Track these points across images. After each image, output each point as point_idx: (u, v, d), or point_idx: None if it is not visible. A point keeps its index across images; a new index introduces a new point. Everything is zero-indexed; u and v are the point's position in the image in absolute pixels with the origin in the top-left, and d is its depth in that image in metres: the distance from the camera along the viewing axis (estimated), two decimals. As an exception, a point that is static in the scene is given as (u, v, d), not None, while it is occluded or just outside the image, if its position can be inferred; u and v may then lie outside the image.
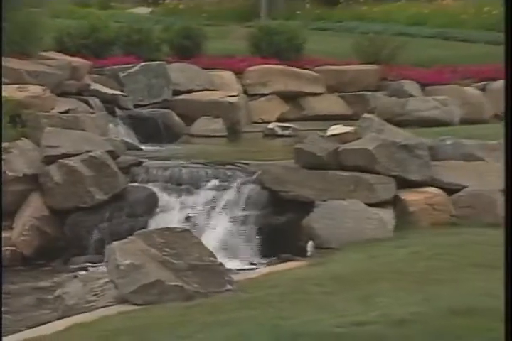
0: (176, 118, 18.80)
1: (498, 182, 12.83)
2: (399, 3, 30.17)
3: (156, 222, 12.56)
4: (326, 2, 31.22)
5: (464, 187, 12.75)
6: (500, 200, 12.60)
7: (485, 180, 12.85)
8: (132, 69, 19.33)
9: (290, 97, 21.30)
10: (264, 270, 10.91)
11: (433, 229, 12.07)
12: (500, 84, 21.72)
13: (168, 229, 9.86)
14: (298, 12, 30.03)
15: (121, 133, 16.97)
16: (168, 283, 8.44)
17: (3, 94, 13.94)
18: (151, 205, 12.97)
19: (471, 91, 21.65)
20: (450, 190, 12.79)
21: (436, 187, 12.86)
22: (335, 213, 12.12)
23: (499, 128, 16.37)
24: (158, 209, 12.96)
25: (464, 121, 19.61)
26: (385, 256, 10.34)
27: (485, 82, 21.97)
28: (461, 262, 9.36)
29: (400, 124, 15.23)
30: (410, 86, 21.27)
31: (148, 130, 17.63)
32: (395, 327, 6.13)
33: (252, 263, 12.12)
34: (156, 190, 13.10)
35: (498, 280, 8.18)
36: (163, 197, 13.03)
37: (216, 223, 12.72)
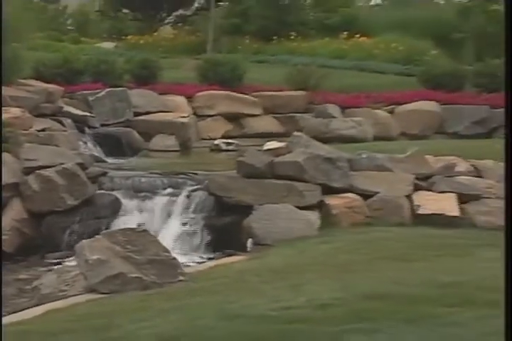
0: (137, 135, 18.81)
1: (405, 188, 13.00)
2: (323, 40, 30.29)
3: (119, 224, 12.49)
4: (262, 38, 31.27)
5: (377, 193, 12.84)
6: (406, 204, 12.75)
7: (393, 187, 12.98)
8: (99, 94, 19.30)
9: (233, 118, 21.35)
10: (211, 263, 10.91)
11: (351, 228, 12.15)
12: (405, 107, 22.03)
13: (130, 229, 9.87)
14: (239, 47, 30.15)
15: (90, 148, 16.95)
16: (129, 275, 8.43)
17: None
18: (115, 209, 12.91)
19: (382, 113, 21.88)
20: (365, 196, 12.87)
21: (354, 193, 12.93)
22: (270, 215, 12.15)
23: (405, 144, 16.65)
24: (121, 213, 12.90)
25: (376, 138, 19.84)
26: (312, 251, 10.39)
27: (393, 106, 22.20)
28: (373, 255, 9.43)
29: (324, 141, 15.28)
30: (332, 109, 21.44)
31: (113, 145, 17.60)
32: (319, 310, 6.15)
33: (201, 258, 12.08)
34: (119, 196, 13.04)
35: (404, 270, 8.28)
36: (125, 202, 12.98)
37: (170, 224, 12.69)
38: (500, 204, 12.91)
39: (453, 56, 28.75)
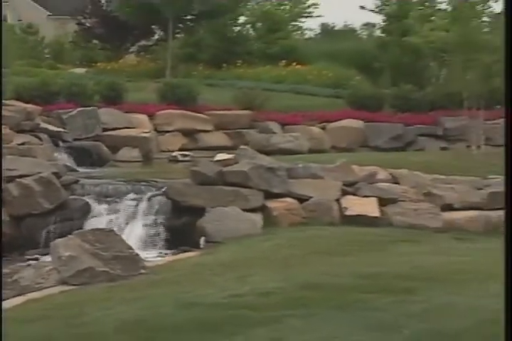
0: (105, 148, 18.67)
1: (334, 193, 13.07)
2: (265, 67, 30.39)
3: (89, 225, 12.36)
4: (213, 65, 31.30)
5: (311, 197, 12.88)
6: (335, 207, 12.81)
7: (325, 192, 13.03)
8: (72, 113, 19.18)
9: (188, 133, 21.27)
10: (169, 258, 10.87)
11: (290, 227, 12.18)
12: (335, 125, 22.18)
13: (98, 229, 9.80)
14: (193, 72, 30.10)
15: (64, 159, 16.79)
16: (97, 269, 8.38)
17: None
18: (85, 212, 12.77)
19: (315, 129, 21.99)
20: (301, 200, 12.90)
21: (292, 197, 12.96)
22: (220, 216, 12.16)
23: (334, 156, 16.74)
24: (90, 215, 12.79)
25: (311, 151, 19.94)
26: (256, 247, 10.39)
27: (324, 124, 22.31)
28: (309, 250, 9.47)
29: (266, 153, 15.31)
30: (273, 126, 21.55)
31: (84, 157, 17.49)
32: (263, 297, 6.17)
33: (160, 254, 12.02)
34: (89, 201, 12.92)
35: (334, 263, 8.31)
36: (95, 206, 12.86)
37: (134, 225, 12.60)
38: (414, 206, 13.08)
39: (373, 82, 29.08)
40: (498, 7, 21.47)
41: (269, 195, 12.92)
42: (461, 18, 18.99)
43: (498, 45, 18.83)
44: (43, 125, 17.92)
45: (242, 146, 15.03)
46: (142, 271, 8.68)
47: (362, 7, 38.59)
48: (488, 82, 19.91)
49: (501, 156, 18.14)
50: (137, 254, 9.10)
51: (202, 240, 11.79)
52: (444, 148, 21.63)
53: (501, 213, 13.29)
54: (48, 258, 9.87)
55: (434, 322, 5.13)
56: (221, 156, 13.92)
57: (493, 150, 19.38)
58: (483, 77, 19.46)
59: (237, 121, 21.95)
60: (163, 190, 13.10)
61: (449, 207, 13.27)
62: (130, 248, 9.15)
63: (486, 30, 19.98)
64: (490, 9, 20.78)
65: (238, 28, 37.54)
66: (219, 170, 13.11)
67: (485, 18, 20.70)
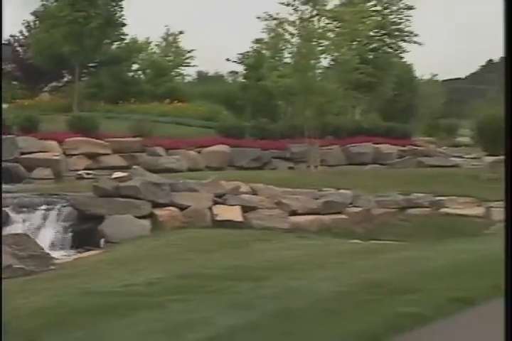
0: (22, 168, 18.16)
1: (207, 203, 13.08)
2: (153, 104, 30.22)
3: (9, 230, 11.86)
4: (112, 102, 30.82)
5: (189, 206, 12.86)
6: (208, 213, 12.82)
7: (200, 202, 13.05)
8: (-5, 140, 18.45)
9: (91, 156, 20.89)
10: (75, 256, 10.60)
11: (172, 230, 12.12)
12: (208, 149, 22.19)
13: (16, 234, 9.47)
14: (96, 108, 29.51)
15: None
16: (15, 266, 8.08)
17: None
18: (5, 220, 12.26)
19: (193, 153, 22.00)
20: (181, 208, 12.87)
21: (174, 206, 12.91)
22: (116, 222, 11.99)
23: (207, 173, 16.77)
24: (10, 223, 12.28)
25: (189, 170, 19.91)
26: (145, 246, 10.27)
27: (200, 148, 22.35)
28: (187, 248, 9.43)
29: (154, 172, 15.20)
30: (160, 150, 21.41)
31: (4, 175, 16.73)
32: (150, 286, 6.08)
33: (67, 253, 11.68)
34: (8, 211, 12.40)
35: (207, 258, 8.30)
36: (13, 215, 12.33)
37: (46, 230, 12.19)
38: (269, 212, 13.26)
39: (237, 116, 29.42)
40: (325, 62, 22.27)
41: (156, 205, 12.83)
42: (300, 69, 19.48)
43: (329, 89, 19.47)
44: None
45: (134, 166, 14.94)
46: (52, 267, 8.46)
47: (228, 59, 39.56)
48: (322, 117, 20.52)
49: (332, 174, 18.56)
50: (48, 253, 8.86)
51: (102, 241, 11.58)
52: (291, 168, 22.09)
53: (332, 216, 13.73)
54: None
55: (281, 302, 5.21)
56: (118, 174, 13.74)
57: (326, 169, 19.97)
58: (317, 114, 20.03)
59: (130, 146, 21.72)
60: (70, 201, 12.78)
61: (294, 213, 13.55)
62: (42, 248, 8.92)
63: (319, 78, 20.52)
64: (321, 63, 21.40)
65: (132, 73, 37.42)
66: (116, 185, 12.95)
67: (318, 70, 21.24)
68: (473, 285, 5.72)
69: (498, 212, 14.09)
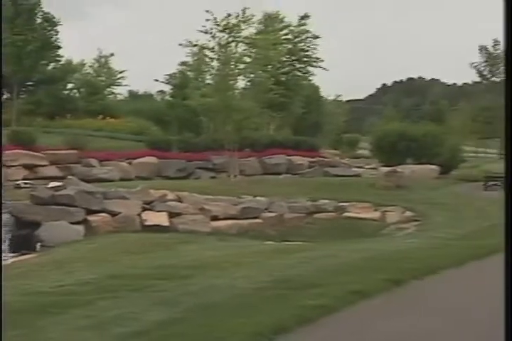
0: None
1: (137, 210, 12.90)
2: (87, 119, 29.58)
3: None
4: (49, 118, 29.98)
5: (120, 212, 12.68)
6: (138, 219, 12.64)
7: (130, 209, 12.89)
8: None
9: (29, 167, 20.31)
10: (13, 260, 10.29)
11: (105, 235, 11.92)
12: (138, 160, 21.91)
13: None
14: (34, 123, 28.60)
15: None
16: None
17: None
18: None
19: (124, 164, 21.70)
20: (113, 214, 12.67)
21: (106, 213, 12.69)
22: (53, 227, 11.68)
23: (137, 183, 16.52)
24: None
25: (121, 179, 19.59)
26: (79, 250, 10.06)
27: (131, 160, 22.05)
28: (118, 250, 9.30)
29: (88, 181, 14.96)
30: (93, 161, 20.99)
31: None
32: (82, 286, 5.95)
33: (5, 256, 11.27)
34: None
35: (135, 259, 8.18)
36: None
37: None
38: (192, 217, 13.21)
39: (165, 130, 29.20)
40: (243, 83, 22.51)
41: (90, 212, 12.59)
42: (220, 90, 19.60)
43: (246, 108, 19.65)
44: None
45: (69, 176, 14.57)
46: (-8, 270, 8.11)
47: (156, 80, 39.37)
48: (240, 132, 20.68)
49: (250, 182, 18.59)
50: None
51: (38, 245, 11.24)
52: (213, 177, 22.08)
53: (250, 221, 13.82)
54: None
55: (204, 298, 5.20)
56: (54, 184, 13.44)
57: (244, 178, 20.07)
58: (236, 129, 20.17)
59: (66, 158, 21.20)
60: (9, 209, 12.35)
61: (215, 218, 13.56)
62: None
63: (237, 98, 20.70)
64: (239, 84, 21.63)
65: (67, 91, 36.65)
66: (52, 194, 12.62)
67: (237, 90, 21.42)
68: (370, 279, 5.88)
69: (392, 216, 14.57)
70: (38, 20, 30.37)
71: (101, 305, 5.01)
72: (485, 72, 45.41)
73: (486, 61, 44.99)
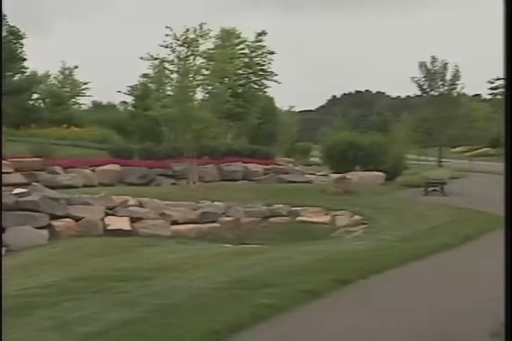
0: None
1: (100, 215, 12.70)
2: (52, 128, 29.03)
3: None
4: (14, 127, 29.25)
5: (83, 217, 12.43)
6: (101, 224, 12.44)
7: (93, 214, 12.62)
8: None
9: (-7, 174, 19.72)
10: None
11: (68, 239, 11.62)
12: (101, 168, 21.53)
13: None
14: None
15: None
16: None
17: None
18: None
19: (88, 171, 21.11)
20: (77, 219, 12.41)
21: (70, 218, 12.43)
22: (17, 232, 11.37)
23: (101, 189, 16.29)
24: None
25: (84, 186, 19.22)
26: (44, 253, 9.83)
27: (94, 167, 21.63)
28: (81, 254, 9.12)
29: (53, 188, 14.64)
30: (58, 169, 20.51)
31: None
32: (46, 288, 5.86)
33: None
34: None
35: (98, 262, 8.05)
36: None
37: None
38: (153, 222, 13.08)
39: (127, 139, 28.90)
40: (200, 95, 22.50)
41: (54, 217, 12.29)
42: (180, 101, 19.55)
43: (205, 118, 19.64)
44: None
45: (34, 183, 14.26)
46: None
47: (119, 91, 39.18)
48: (199, 141, 20.66)
49: (208, 188, 18.42)
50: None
51: (3, 250, 10.93)
52: (173, 184, 21.90)
53: (208, 225, 13.79)
54: None
55: (164, 298, 5.18)
56: (19, 190, 13.10)
57: (203, 185, 20.01)
58: (195, 138, 20.14)
59: (31, 166, 20.60)
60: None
61: (175, 222, 13.46)
62: None
63: (196, 108, 20.66)
64: (198, 96, 21.61)
65: (32, 101, 35.89)
66: (17, 200, 12.30)
67: (195, 101, 21.39)
68: (319, 279, 5.96)
69: (341, 219, 14.76)
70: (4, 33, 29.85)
71: (64, 306, 4.94)
72: (425, 86, 46.42)
73: (425, 76, 46.01)
